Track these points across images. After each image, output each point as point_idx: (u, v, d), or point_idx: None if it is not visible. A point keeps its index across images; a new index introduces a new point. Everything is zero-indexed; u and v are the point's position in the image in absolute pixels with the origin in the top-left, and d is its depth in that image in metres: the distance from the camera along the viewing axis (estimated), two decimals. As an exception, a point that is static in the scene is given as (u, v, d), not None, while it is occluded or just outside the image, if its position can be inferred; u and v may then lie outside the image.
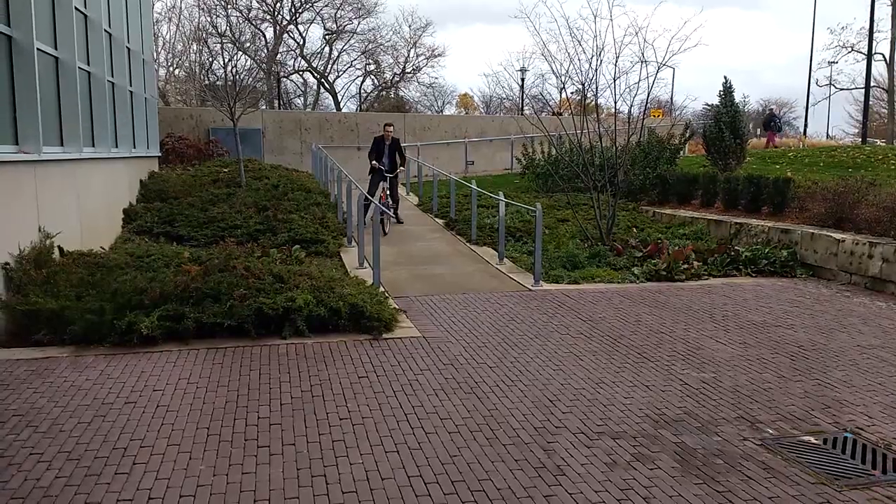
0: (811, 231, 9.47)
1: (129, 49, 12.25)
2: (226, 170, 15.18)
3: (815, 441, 4.18)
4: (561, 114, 14.60)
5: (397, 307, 6.93)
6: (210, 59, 32.34)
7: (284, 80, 42.97)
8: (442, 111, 50.98)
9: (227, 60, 17.00)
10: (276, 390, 4.78)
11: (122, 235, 10.17)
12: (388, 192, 12.06)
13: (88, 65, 9.60)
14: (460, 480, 3.59)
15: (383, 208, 10.43)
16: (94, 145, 9.57)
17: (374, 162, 12.12)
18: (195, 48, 33.33)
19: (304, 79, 47.03)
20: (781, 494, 3.52)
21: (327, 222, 10.84)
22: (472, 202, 11.38)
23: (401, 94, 48.49)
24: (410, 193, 17.02)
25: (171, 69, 33.52)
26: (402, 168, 12.85)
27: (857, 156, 16.77)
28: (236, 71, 16.91)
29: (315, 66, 44.77)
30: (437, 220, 13.37)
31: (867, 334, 6.52)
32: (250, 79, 19.86)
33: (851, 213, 9.41)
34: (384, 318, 6.26)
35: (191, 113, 21.21)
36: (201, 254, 7.84)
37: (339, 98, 46.12)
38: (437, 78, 56.95)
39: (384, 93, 47.88)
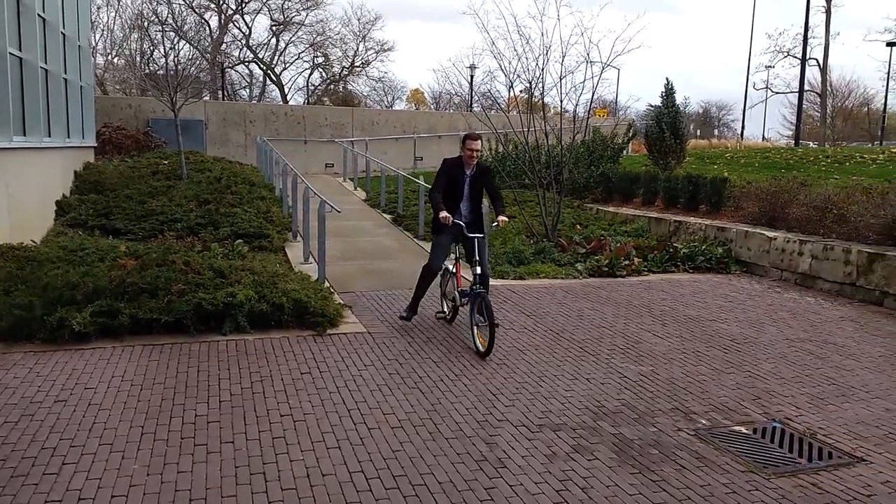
0: (745, 229, 9.82)
1: (64, 35, 11.76)
2: (166, 161, 14.74)
3: (746, 431, 4.34)
4: (509, 111, 14.74)
5: (343, 302, 6.88)
6: (151, 48, 31.37)
7: (229, 70, 42.03)
8: (392, 106, 50.72)
9: (168, 49, 16.46)
10: (215, 387, 4.68)
11: (55, 228, 9.77)
12: (476, 263, 5.84)
13: (20, 50, 9.16)
14: (402, 475, 3.59)
15: (457, 294, 6.11)
16: (25, 134, 9.15)
17: (443, 213, 5.90)
18: (135, 36, 32.26)
19: (249, 70, 46.07)
20: (713, 482, 3.65)
21: (272, 216, 10.65)
22: (420, 198, 11.37)
23: (350, 87, 48.03)
24: (358, 189, 16.89)
25: (109, 57, 32.35)
26: (500, 220, 6.16)
27: (790, 157, 17.47)
28: (178, 60, 16.43)
29: (261, 57, 43.92)
30: (384, 215, 13.31)
31: (796, 328, 6.80)
32: (193, 68, 19.31)
33: (783, 212, 9.80)
34: (329, 314, 6.20)
35: (129, 102, 20.52)
36: (138, 248, 7.60)
37: (286, 90, 45.39)
38: (386, 72, 56.70)
39: (333, 86, 47.35)
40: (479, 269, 5.85)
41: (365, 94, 48.54)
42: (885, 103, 40.91)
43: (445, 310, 6.55)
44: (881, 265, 7.83)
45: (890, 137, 43.11)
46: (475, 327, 5.72)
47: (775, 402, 4.84)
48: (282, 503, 3.27)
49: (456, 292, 6.18)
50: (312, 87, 46.74)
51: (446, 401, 4.63)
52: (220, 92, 38.21)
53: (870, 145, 29.67)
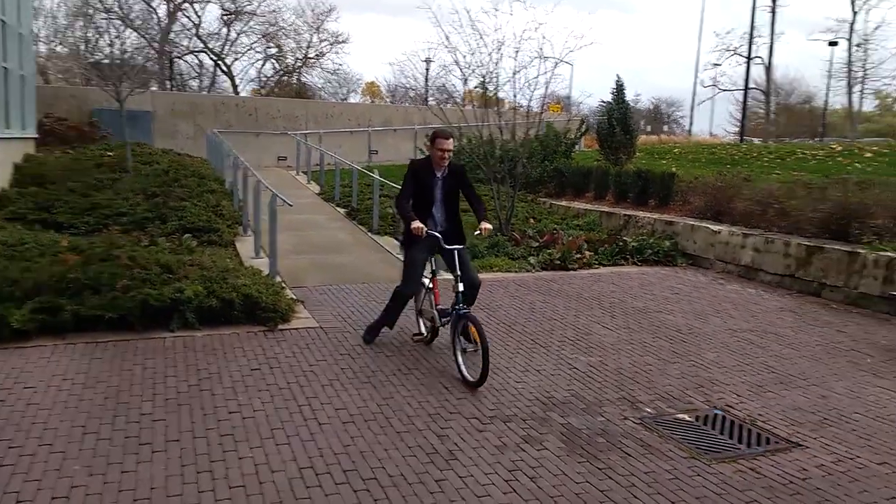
0: (692, 223, 10.09)
1: (4, 22, 11.28)
2: (111, 153, 14.31)
3: (689, 418, 4.47)
4: (465, 106, 14.78)
5: (295, 297, 6.81)
6: (96, 36, 30.31)
7: (178, 60, 40.95)
8: (347, 99, 50.22)
9: (114, 37, 15.93)
10: (161, 385, 4.59)
11: (-8, 222, 9.39)
12: (459, 279, 5.06)
13: (-49, 36, 8.76)
14: (352, 470, 3.59)
15: (436, 313, 5.36)
16: (-42, 124, 8.77)
17: (415, 223, 5.19)
18: (80, 23, 31.12)
19: (199, 60, 44.91)
20: (657, 469, 3.75)
21: (222, 210, 10.46)
22: (375, 191, 11.32)
23: (303, 79, 47.35)
24: (311, 182, 16.71)
25: (52, 45, 31.17)
26: (483, 228, 5.41)
27: (735, 153, 18.01)
28: (124, 49, 15.94)
29: (211, 47, 42.88)
30: (338, 209, 13.20)
31: (738, 318, 7.03)
32: (140, 58, 18.76)
33: (728, 206, 10.09)
34: (280, 309, 6.14)
35: (73, 92, 19.82)
36: (81, 242, 7.36)
37: (238, 82, 44.47)
38: (341, 65, 56.03)
39: (286, 78, 46.61)
40: (461, 286, 5.02)
41: (319, 86, 47.95)
42: (826, 101, 42.54)
43: (423, 330, 5.75)
44: (819, 258, 8.15)
45: (830, 134, 44.77)
46: (459, 353, 4.94)
47: (717, 390, 5.00)
48: (230, 501, 3.23)
49: (434, 311, 5.38)
50: (265, 79, 45.94)
51: (399, 395, 4.64)
52: (168, 82, 37.23)
53: (811, 141, 30.77)
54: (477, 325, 4.80)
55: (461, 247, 5.27)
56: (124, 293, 5.68)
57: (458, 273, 5.09)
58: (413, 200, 5.38)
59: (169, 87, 36.69)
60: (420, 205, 5.38)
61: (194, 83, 44.99)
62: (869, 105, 55.66)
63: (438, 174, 5.42)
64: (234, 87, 43.83)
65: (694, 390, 4.97)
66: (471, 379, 4.78)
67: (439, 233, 5.28)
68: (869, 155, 16.07)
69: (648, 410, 4.57)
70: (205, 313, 5.83)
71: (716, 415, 4.55)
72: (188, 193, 11.00)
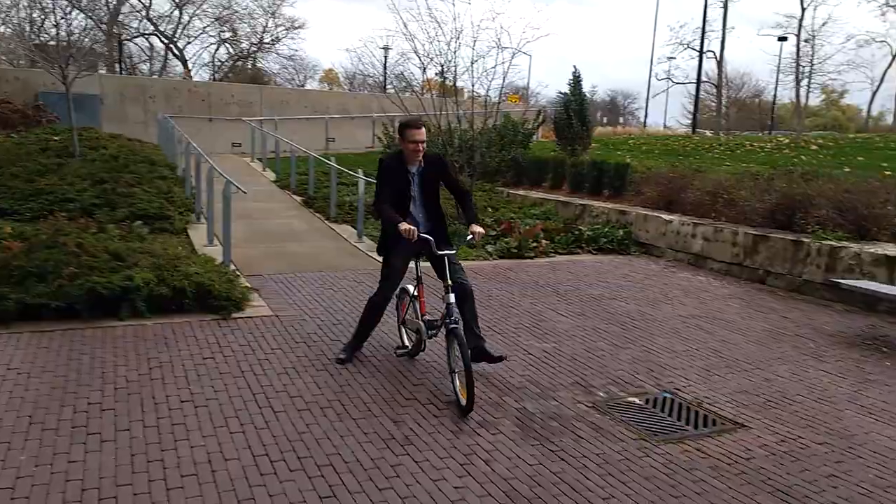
0: (645, 213, 10.30)
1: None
2: (57, 138, 13.81)
3: (639, 402, 4.59)
4: (423, 94, 14.72)
5: (249, 286, 6.72)
6: (41, 17, 29.16)
7: (127, 43, 39.70)
8: (304, 85, 49.51)
9: (60, 18, 15.32)
10: (110, 374, 4.48)
11: (-71, 209, 8.99)
12: (449, 288, 4.52)
13: None
14: (308, 457, 3.58)
15: (422, 325, 4.70)
16: None
17: (403, 224, 4.53)
18: (24, 3, 29.89)
19: (150, 43, 43.67)
20: (607, 451, 3.85)
21: (174, 197, 10.22)
22: (332, 179, 11.22)
23: (259, 65, 46.49)
24: (267, 170, 16.45)
25: (-8, 25, 29.80)
26: (475, 232, 4.65)
27: (687, 145, 18.42)
28: (71, 30, 15.36)
29: (163, 30, 41.70)
30: (294, 197, 13.05)
31: (688, 305, 7.22)
32: (87, 40, 18.13)
33: (679, 197, 10.33)
34: (234, 298, 6.05)
35: (17, 75, 19.08)
36: (26, 229, 7.12)
37: (190, 66, 43.39)
38: (297, 51, 55.09)
39: (240, 63, 45.68)
40: (452, 297, 4.42)
41: (275, 72, 47.15)
42: (775, 95, 43.78)
43: (405, 342, 5.13)
44: (765, 246, 8.42)
45: (779, 127, 46.15)
46: (454, 373, 4.38)
47: (667, 374, 5.14)
48: (181, 490, 3.19)
49: (421, 322, 4.71)
50: (219, 64, 44.94)
51: (355, 382, 4.64)
52: (117, 66, 36.08)
53: (760, 134, 31.67)
54: (462, 344, 4.19)
55: (453, 252, 4.66)
56: (71, 281, 5.52)
57: (449, 282, 4.48)
58: (393, 196, 4.73)
59: (118, 70, 35.55)
60: (396, 207, 4.68)
61: (145, 67, 43.73)
62: (815, 99, 57.55)
63: (413, 169, 4.77)
64: (187, 71, 42.76)
65: (644, 374, 5.10)
66: (462, 402, 4.22)
67: (423, 233, 4.59)
68: (814, 148, 16.63)
69: (601, 394, 4.67)
70: (156, 302, 5.71)
71: (665, 398, 4.68)
72: (138, 180, 10.71)
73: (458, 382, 4.33)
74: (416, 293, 4.89)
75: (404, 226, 4.46)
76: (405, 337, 5.20)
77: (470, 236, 4.62)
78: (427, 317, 4.76)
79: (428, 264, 4.79)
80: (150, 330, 5.42)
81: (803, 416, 4.47)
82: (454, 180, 4.96)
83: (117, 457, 3.45)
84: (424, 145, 4.74)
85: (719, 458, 3.83)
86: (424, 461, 3.61)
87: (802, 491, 3.50)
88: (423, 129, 4.78)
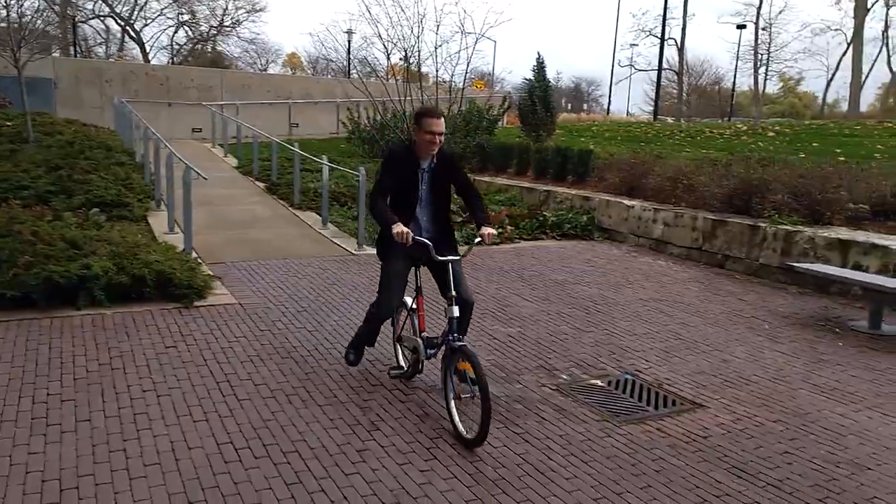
0: (607, 198, 10.44)
1: None
2: (9, 123, 13.38)
3: (602, 384, 4.69)
4: (388, 80, 14.61)
5: (212, 274, 6.64)
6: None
7: (82, 25, 38.49)
8: (266, 70, 48.65)
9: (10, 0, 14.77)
10: (70, 365, 4.40)
11: None
12: (453, 299, 3.99)
13: None
14: (273, 444, 3.58)
15: (420, 342, 4.21)
16: None
17: (397, 227, 3.92)
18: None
19: (105, 26, 42.45)
20: (570, 432, 3.92)
21: (132, 184, 10.00)
22: (295, 165, 11.10)
23: (219, 48, 45.56)
24: (229, 156, 16.18)
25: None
26: (484, 234, 4.09)
27: (649, 132, 18.67)
28: (22, 12, 14.81)
29: (119, 11, 40.55)
30: (257, 183, 12.87)
31: (649, 289, 7.37)
32: (39, 21, 17.51)
33: (641, 182, 10.49)
34: (196, 286, 5.97)
35: (-37, 56, 18.31)
36: (-23, 217, 6.90)
37: (148, 49, 42.30)
38: (259, 34, 54.19)
39: (200, 46, 44.69)
40: (456, 310, 3.94)
41: (236, 56, 46.29)
42: (734, 82, 44.55)
43: (402, 363, 4.59)
44: (723, 231, 8.61)
45: (737, 114, 47.05)
46: (452, 400, 3.86)
47: (629, 356, 5.25)
48: (145, 479, 3.16)
49: (419, 339, 4.21)
50: (177, 47, 43.89)
51: (320, 369, 4.64)
52: (72, 48, 34.98)
53: (719, 121, 32.27)
54: (474, 362, 3.67)
55: (457, 258, 4.16)
56: (27, 270, 5.39)
57: (452, 293, 3.96)
58: (390, 199, 4.15)
59: (73, 53, 34.47)
60: (400, 205, 4.13)
61: (101, 50, 42.50)
62: (773, 87, 58.83)
63: (424, 164, 4.16)
64: (145, 54, 41.70)
65: (607, 357, 5.20)
66: (466, 435, 3.70)
67: (428, 240, 4.03)
68: (772, 134, 17.02)
69: (564, 377, 4.75)
70: (115, 290, 5.61)
71: (626, 380, 4.78)
72: (95, 166, 10.45)
73: (454, 409, 3.84)
74: (414, 305, 4.32)
75: (397, 228, 3.88)
76: (401, 356, 4.63)
77: (478, 239, 4.09)
78: (426, 333, 4.23)
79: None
80: (109, 319, 5.32)
81: (759, 395, 4.62)
82: (468, 182, 4.33)
83: (78, 447, 3.40)
84: (443, 139, 4.12)
85: (678, 438, 3.94)
86: (391, 446, 3.64)
87: (757, 467, 3.63)
88: (443, 120, 4.19)
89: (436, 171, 4.20)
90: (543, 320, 6.03)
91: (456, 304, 3.95)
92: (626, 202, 10.10)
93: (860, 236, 7.48)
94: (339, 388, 4.34)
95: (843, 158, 11.15)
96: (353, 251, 8.28)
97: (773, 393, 4.66)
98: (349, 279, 7.04)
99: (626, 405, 4.37)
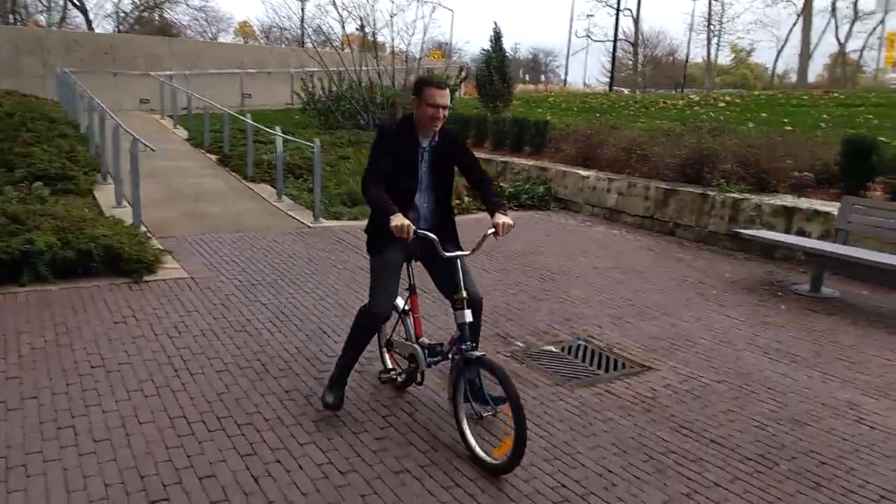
0: (563, 169, 10.53)
1: None
2: (-58, 94, 12.75)
3: (555, 350, 4.78)
4: (343, 49, 14.37)
5: (162, 248, 6.50)
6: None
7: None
8: (216, 39, 47.24)
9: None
10: (14, 342, 4.28)
11: None
12: (461, 300, 3.38)
13: None
14: (227, 416, 3.56)
15: (418, 349, 3.63)
16: None
17: (396, 220, 3.26)
18: None
19: (45, -9, 40.46)
20: (524, 396, 3.94)
21: (77, 156, 9.66)
22: (248, 137, 10.88)
23: (166, 16, 43.98)
24: (179, 127, 15.75)
25: None
26: (499, 224, 3.47)
27: (605, 102, 18.81)
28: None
29: (59, -23, 38.70)
30: (209, 155, 12.58)
31: (602, 257, 7.50)
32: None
33: (596, 153, 10.60)
34: (146, 260, 5.84)
35: None
36: None
37: (92, 17, 40.58)
38: (208, 2, 52.46)
39: (146, 14, 43.06)
40: (468, 314, 3.38)
41: (185, 24, 44.77)
42: (688, 53, 45.19)
43: (391, 366, 4.04)
44: (674, 199, 8.79)
45: (691, 85, 47.72)
46: (464, 421, 3.35)
47: (582, 322, 5.35)
48: (94, 455, 3.12)
49: (416, 346, 3.64)
50: (123, 15, 42.21)
51: (275, 341, 4.61)
52: (11, 16, 33.33)
53: (673, 92, 32.68)
54: (501, 375, 3.16)
55: (466, 252, 3.57)
56: (-36, 246, 5.19)
57: (464, 294, 3.39)
58: (386, 183, 3.47)
59: (13, 20, 32.85)
60: (397, 190, 3.48)
61: (42, 17, 40.55)
62: (725, 58, 59.77)
63: (425, 143, 3.56)
64: (88, 22, 40.01)
65: (560, 324, 5.29)
66: (490, 460, 3.16)
67: (429, 231, 3.46)
68: (722, 105, 17.31)
69: (519, 344, 4.83)
70: (60, 266, 5.46)
71: (579, 345, 4.88)
72: (37, 138, 10.05)
73: (468, 431, 3.31)
74: (407, 307, 3.77)
75: (397, 221, 3.25)
76: (388, 360, 4.10)
77: (492, 230, 3.47)
78: (424, 339, 3.69)
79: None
80: (55, 295, 5.18)
81: (705, 357, 4.77)
82: (475, 163, 3.73)
83: (24, 425, 3.33)
84: (447, 113, 3.53)
85: (628, 399, 4.05)
86: (346, 415, 3.66)
87: (701, 425, 3.76)
88: (448, 92, 3.57)
89: (437, 151, 3.59)
90: (501, 290, 6.09)
91: (468, 307, 3.38)
92: (582, 172, 10.20)
93: (804, 203, 7.72)
94: (294, 360, 4.33)
95: (790, 128, 11.43)
96: (310, 224, 8.19)
97: (718, 355, 4.82)
98: (305, 252, 6.97)
99: (579, 370, 4.47)
